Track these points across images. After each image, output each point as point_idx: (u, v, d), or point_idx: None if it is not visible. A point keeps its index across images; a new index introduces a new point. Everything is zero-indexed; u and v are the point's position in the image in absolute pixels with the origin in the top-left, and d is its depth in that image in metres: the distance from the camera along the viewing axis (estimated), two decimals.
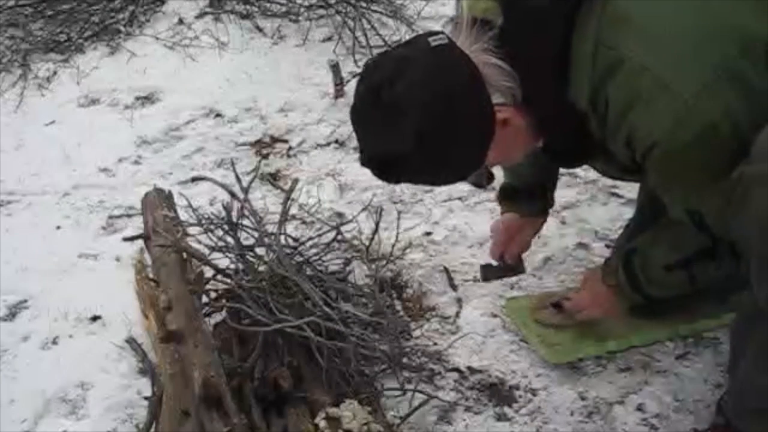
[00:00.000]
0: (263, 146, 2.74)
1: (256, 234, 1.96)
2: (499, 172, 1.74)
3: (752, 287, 1.22)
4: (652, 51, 1.25)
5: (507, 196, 1.86)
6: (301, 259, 1.95)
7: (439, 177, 1.46)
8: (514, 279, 2.05)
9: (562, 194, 2.28)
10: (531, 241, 1.90)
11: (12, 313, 2.12)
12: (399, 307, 2.01)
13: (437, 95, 1.30)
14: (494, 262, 1.91)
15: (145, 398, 1.80)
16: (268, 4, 3.47)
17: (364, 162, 1.40)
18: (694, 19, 1.26)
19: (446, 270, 2.11)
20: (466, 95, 1.32)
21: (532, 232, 1.88)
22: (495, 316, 1.96)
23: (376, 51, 3.07)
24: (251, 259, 1.91)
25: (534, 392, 1.76)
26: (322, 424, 1.57)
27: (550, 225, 2.18)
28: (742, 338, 1.43)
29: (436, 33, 1.37)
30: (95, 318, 2.06)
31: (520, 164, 1.75)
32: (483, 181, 1.49)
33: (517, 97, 1.36)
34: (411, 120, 1.30)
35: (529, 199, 1.83)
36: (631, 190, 2.10)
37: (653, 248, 1.53)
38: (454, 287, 2.06)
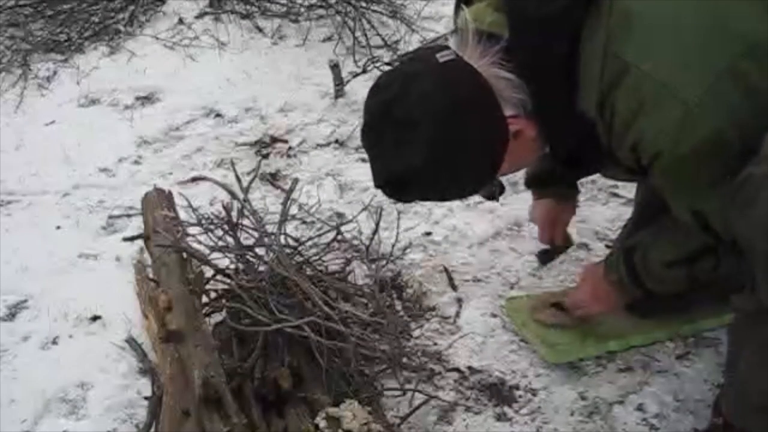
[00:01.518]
0: (263, 146, 2.74)
1: (256, 234, 1.96)
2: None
3: (754, 286, 1.22)
4: (656, 57, 1.25)
5: (535, 184, 1.86)
6: (301, 259, 1.95)
7: (453, 192, 1.46)
8: (514, 279, 2.06)
9: None
10: (571, 218, 1.91)
11: (12, 313, 2.12)
12: (399, 307, 2.01)
13: (449, 110, 1.30)
14: (545, 246, 1.94)
15: (145, 398, 1.80)
16: (268, 4, 3.47)
17: (378, 183, 1.39)
18: (698, 22, 1.26)
19: (446, 270, 2.11)
20: (478, 109, 1.32)
21: (571, 210, 1.89)
22: (495, 316, 1.96)
23: (376, 51, 3.08)
24: (251, 259, 1.91)
25: (534, 392, 1.76)
26: (322, 424, 1.57)
27: None
28: (742, 337, 1.43)
29: (442, 48, 1.36)
30: (95, 318, 2.06)
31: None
32: (495, 194, 1.49)
33: (527, 109, 1.36)
34: (424, 135, 1.30)
35: (557, 183, 1.83)
36: (630, 190, 2.10)
37: (655, 245, 1.53)
38: (454, 287, 2.06)
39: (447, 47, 1.36)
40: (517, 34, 1.34)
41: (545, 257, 1.96)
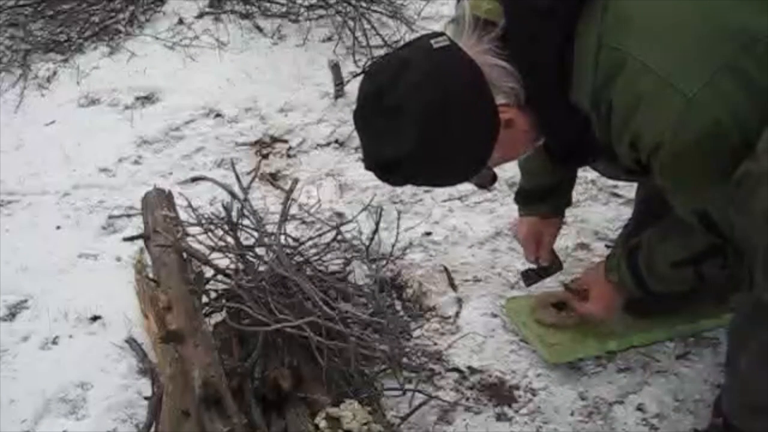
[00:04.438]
0: (263, 146, 2.74)
1: (256, 234, 1.96)
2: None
3: (752, 283, 1.22)
4: (654, 50, 1.25)
5: (523, 200, 1.85)
6: (301, 259, 1.95)
7: (442, 179, 1.47)
8: (513, 279, 2.05)
9: None
10: (555, 238, 1.88)
11: (12, 313, 2.12)
12: (399, 307, 2.01)
13: (439, 97, 1.30)
14: (532, 266, 1.90)
15: (145, 398, 1.80)
16: (268, 4, 3.47)
17: (368, 165, 1.40)
18: (695, 17, 1.26)
19: (446, 270, 2.11)
20: (468, 96, 1.33)
21: (554, 230, 1.87)
22: (495, 316, 1.96)
23: (376, 51, 3.08)
24: (251, 259, 1.91)
25: (534, 392, 1.76)
26: (322, 424, 1.57)
27: None
28: (743, 336, 1.43)
29: (438, 34, 1.37)
30: (95, 318, 2.06)
31: (534, 166, 1.76)
32: (486, 182, 1.50)
33: (520, 98, 1.36)
34: (413, 122, 1.31)
35: (542, 200, 1.82)
36: (630, 190, 2.10)
37: (661, 244, 1.53)
38: (454, 287, 2.06)
39: (442, 33, 1.37)
40: (512, 22, 1.34)
41: (530, 278, 1.91)
